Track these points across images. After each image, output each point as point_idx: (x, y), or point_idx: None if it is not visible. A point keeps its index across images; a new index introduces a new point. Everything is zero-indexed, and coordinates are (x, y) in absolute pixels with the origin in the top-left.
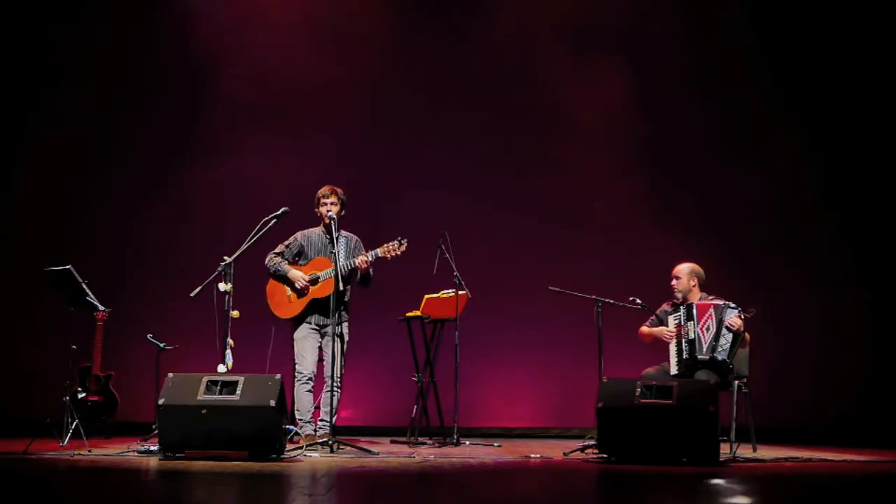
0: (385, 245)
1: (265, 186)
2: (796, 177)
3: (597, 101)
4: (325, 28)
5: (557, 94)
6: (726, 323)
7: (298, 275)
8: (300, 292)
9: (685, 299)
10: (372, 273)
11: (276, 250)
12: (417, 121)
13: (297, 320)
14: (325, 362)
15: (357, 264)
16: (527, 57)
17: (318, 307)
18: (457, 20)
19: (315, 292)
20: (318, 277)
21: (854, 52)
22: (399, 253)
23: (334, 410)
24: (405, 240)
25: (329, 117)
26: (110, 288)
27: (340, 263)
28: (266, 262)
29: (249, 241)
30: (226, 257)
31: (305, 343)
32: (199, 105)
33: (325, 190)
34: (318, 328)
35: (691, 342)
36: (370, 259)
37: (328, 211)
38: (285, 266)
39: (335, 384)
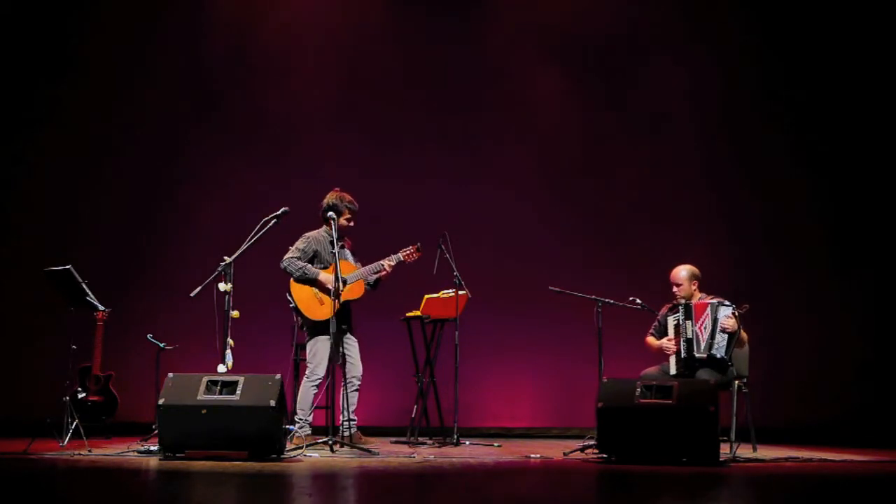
0: (404, 250)
1: (265, 186)
2: (795, 176)
3: (596, 100)
4: (330, 30)
5: (558, 94)
6: (720, 322)
7: (330, 277)
8: (331, 293)
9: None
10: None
11: (294, 254)
12: (418, 120)
13: (325, 323)
14: (348, 364)
15: (385, 268)
16: (525, 59)
17: (341, 311)
18: (458, 19)
19: (346, 294)
20: (347, 280)
21: (849, 54)
22: (416, 258)
23: (352, 412)
24: (421, 245)
25: (329, 117)
26: (110, 288)
27: (363, 269)
28: (285, 265)
29: (249, 241)
30: (226, 257)
31: (327, 345)
32: (200, 105)
33: (355, 205)
34: (341, 332)
35: (689, 341)
36: (394, 263)
37: (349, 223)
38: (313, 269)
39: (352, 387)
